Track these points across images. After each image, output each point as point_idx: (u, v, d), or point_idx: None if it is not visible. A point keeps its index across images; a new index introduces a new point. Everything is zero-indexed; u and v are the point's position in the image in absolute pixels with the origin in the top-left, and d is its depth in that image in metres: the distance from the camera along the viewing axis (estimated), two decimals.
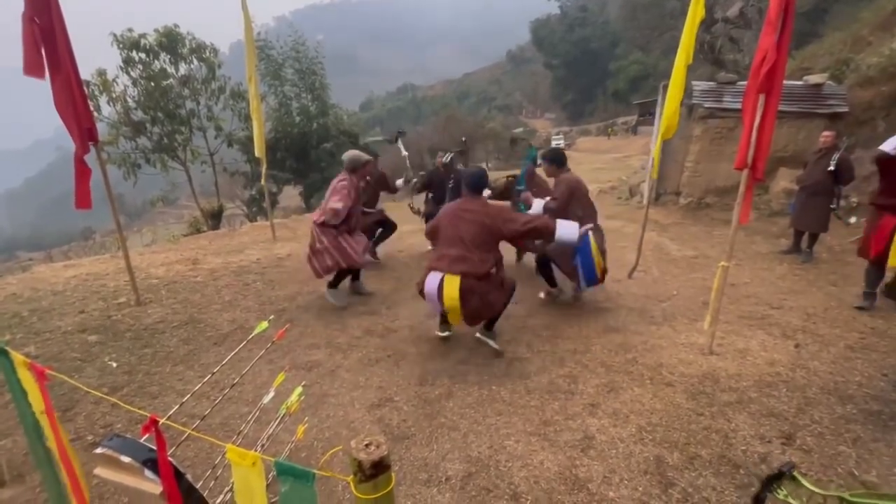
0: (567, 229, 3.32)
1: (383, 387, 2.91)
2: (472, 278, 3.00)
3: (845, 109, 7.69)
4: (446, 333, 3.42)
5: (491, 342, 3.33)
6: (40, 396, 1.40)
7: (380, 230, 5.48)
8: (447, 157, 5.91)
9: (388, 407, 2.70)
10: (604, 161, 24.16)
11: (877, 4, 12.14)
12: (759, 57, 2.70)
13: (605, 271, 3.90)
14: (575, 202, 3.80)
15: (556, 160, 4.03)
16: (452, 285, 2.97)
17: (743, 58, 13.85)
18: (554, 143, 40.99)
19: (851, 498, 1.22)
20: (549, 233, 3.28)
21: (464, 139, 6.28)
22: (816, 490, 1.28)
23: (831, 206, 5.22)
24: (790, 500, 1.37)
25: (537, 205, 3.95)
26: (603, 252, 3.84)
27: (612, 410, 2.61)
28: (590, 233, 3.71)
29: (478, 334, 3.38)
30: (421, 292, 3.20)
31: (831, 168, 5.06)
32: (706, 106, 8.01)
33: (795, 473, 1.35)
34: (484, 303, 3.08)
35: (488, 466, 2.20)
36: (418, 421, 2.56)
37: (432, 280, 3.07)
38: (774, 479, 1.40)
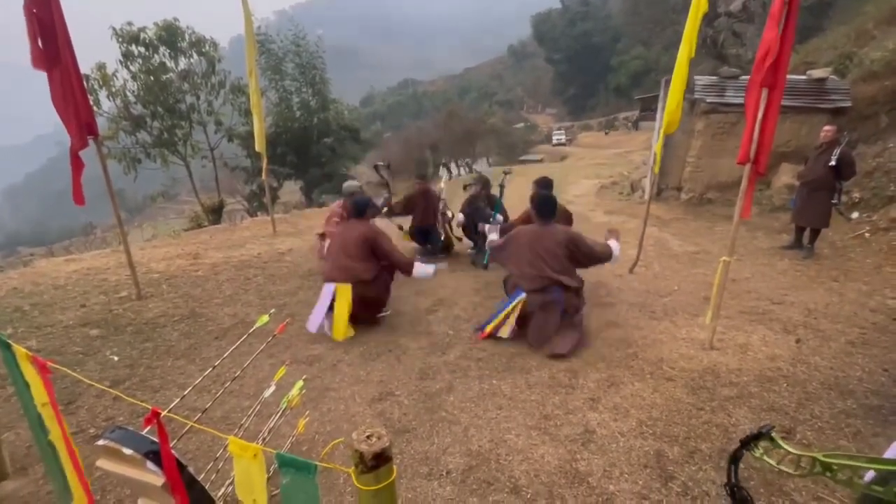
0: (422, 270, 3.70)
1: (384, 381, 2.92)
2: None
3: (848, 104, 7.65)
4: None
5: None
6: (43, 389, 1.40)
7: None
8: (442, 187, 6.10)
9: (389, 401, 2.71)
10: (605, 156, 24.13)
11: None
12: (763, 51, 2.68)
13: (497, 330, 3.41)
14: (512, 252, 3.56)
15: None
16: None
17: (746, 52, 13.73)
18: (555, 139, 40.99)
19: (825, 458, 1.23)
20: (403, 271, 3.76)
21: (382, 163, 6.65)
22: (792, 450, 1.30)
23: (833, 202, 5.20)
24: (766, 458, 1.39)
25: (492, 235, 4.07)
26: (520, 317, 3.36)
27: (612, 405, 2.62)
28: (520, 294, 3.34)
29: None
30: None
31: (832, 163, 5.04)
32: (708, 101, 7.97)
33: (773, 434, 1.37)
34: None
35: (489, 460, 2.20)
36: (419, 415, 2.57)
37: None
38: (753, 439, 1.42)
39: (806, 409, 2.55)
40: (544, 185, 4.48)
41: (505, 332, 3.39)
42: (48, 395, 1.41)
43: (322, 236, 4.84)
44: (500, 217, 4.96)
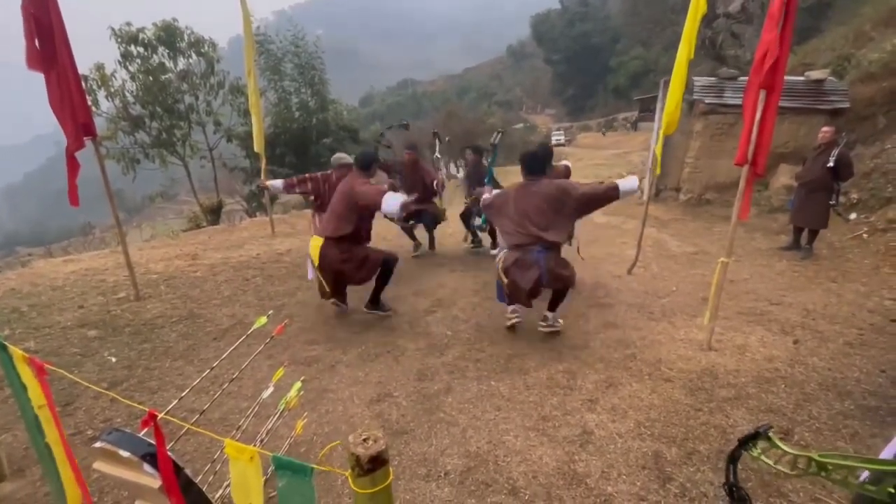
0: (391, 201, 3.35)
1: (382, 382, 2.92)
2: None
3: (846, 105, 7.66)
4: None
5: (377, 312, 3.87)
6: (40, 391, 1.40)
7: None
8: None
9: (388, 402, 2.71)
10: (604, 157, 24.16)
11: (879, 0, 12.08)
12: (761, 52, 2.69)
13: (516, 295, 3.35)
14: (499, 208, 3.51)
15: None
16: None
17: (744, 53, 13.76)
18: (554, 140, 41.01)
19: (820, 458, 1.24)
20: (373, 203, 3.49)
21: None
22: (788, 450, 1.31)
23: (831, 203, 5.22)
24: (763, 457, 1.40)
25: (486, 195, 3.88)
26: (515, 274, 3.24)
27: (610, 406, 2.62)
28: (503, 252, 3.40)
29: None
30: None
31: (831, 164, 5.05)
32: (707, 102, 7.98)
33: (770, 434, 1.37)
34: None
35: (487, 461, 2.20)
36: (417, 416, 2.57)
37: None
38: (750, 439, 1.43)
39: (804, 410, 2.55)
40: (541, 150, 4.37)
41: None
42: (45, 396, 1.41)
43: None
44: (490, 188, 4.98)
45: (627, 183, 3.30)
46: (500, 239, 3.93)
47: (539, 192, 3.33)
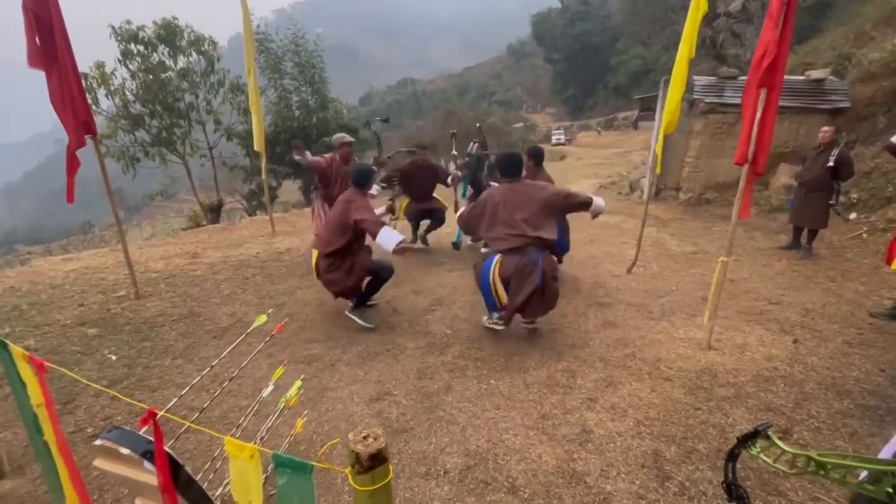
0: (386, 237, 3.28)
1: (382, 380, 2.92)
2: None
3: (847, 105, 7.66)
4: None
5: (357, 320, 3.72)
6: (39, 389, 1.40)
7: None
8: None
9: (387, 401, 2.71)
10: (604, 156, 24.13)
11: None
12: (761, 52, 2.69)
13: (511, 308, 3.22)
14: (484, 214, 3.38)
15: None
16: None
17: (745, 53, 13.75)
18: (554, 139, 41.02)
19: (819, 457, 1.24)
20: (370, 231, 3.42)
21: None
22: (787, 448, 1.31)
23: (830, 202, 5.22)
24: (762, 456, 1.41)
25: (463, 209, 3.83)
26: (512, 281, 3.17)
27: (609, 405, 2.62)
28: (495, 257, 3.27)
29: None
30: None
31: (831, 164, 5.05)
32: (707, 101, 7.98)
33: (769, 433, 1.38)
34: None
35: (486, 460, 2.21)
36: (417, 414, 2.57)
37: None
38: (750, 437, 1.44)
39: (803, 410, 2.56)
40: (533, 152, 4.61)
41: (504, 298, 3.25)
42: (44, 395, 1.41)
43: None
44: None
45: (599, 201, 3.47)
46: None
47: (527, 193, 3.29)
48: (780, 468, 1.38)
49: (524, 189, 3.34)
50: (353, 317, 3.74)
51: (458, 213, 3.73)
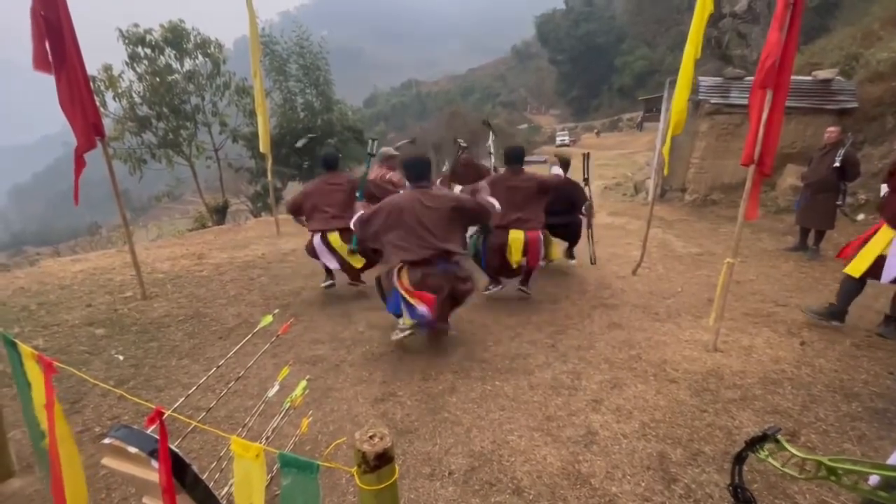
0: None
1: (387, 381, 2.93)
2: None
3: (854, 105, 7.60)
4: None
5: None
6: (43, 391, 1.40)
7: None
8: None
9: (392, 401, 2.71)
10: (609, 157, 24.07)
11: None
12: (766, 52, 2.68)
13: (433, 311, 2.95)
14: (384, 223, 3.13)
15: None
16: None
17: (751, 53, 13.69)
18: (559, 140, 40.98)
19: (830, 462, 1.23)
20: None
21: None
22: (797, 453, 1.29)
23: (837, 203, 5.17)
24: (770, 459, 1.39)
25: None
26: (425, 288, 3.00)
27: (615, 406, 2.61)
28: (395, 270, 3.08)
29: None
30: None
31: (837, 164, 5.00)
32: (713, 102, 7.94)
33: (779, 436, 1.36)
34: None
35: (491, 461, 2.20)
36: (422, 415, 2.57)
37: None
38: (758, 441, 1.42)
39: (810, 412, 2.53)
40: (513, 154, 4.17)
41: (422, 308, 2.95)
42: (47, 396, 1.40)
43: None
44: None
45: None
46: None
47: (435, 202, 3.08)
48: (790, 473, 1.36)
49: (427, 198, 3.09)
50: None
51: (357, 216, 3.31)
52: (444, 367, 3.08)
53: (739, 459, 1.52)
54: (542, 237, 4.04)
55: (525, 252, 3.94)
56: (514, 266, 4.02)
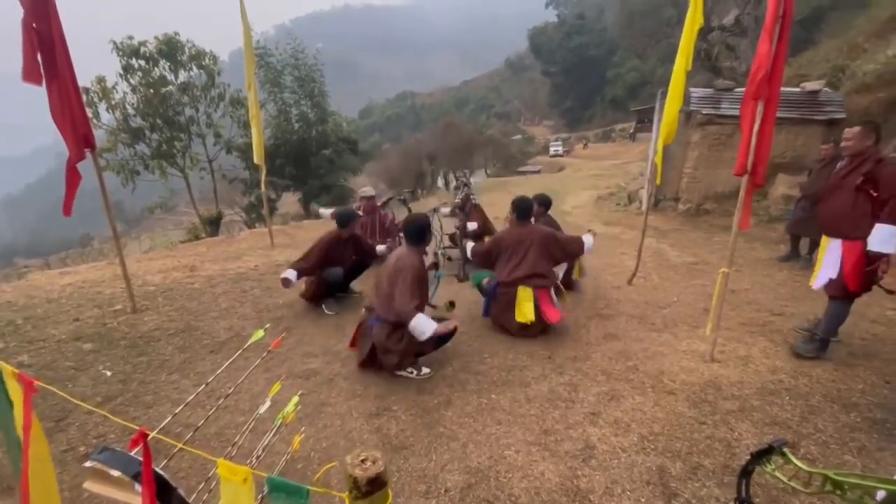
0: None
1: (381, 395, 2.87)
2: None
3: (842, 116, 7.72)
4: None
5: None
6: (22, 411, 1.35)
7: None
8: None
9: (387, 416, 2.66)
10: (603, 167, 24.27)
11: (871, 12, 12.26)
12: (757, 64, 2.71)
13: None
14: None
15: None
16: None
17: (739, 65, 13.95)
18: (552, 150, 41.33)
19: (836, 476, 1.20)
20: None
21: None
22: (803, 467, 1.27)
23: None
24: (777, 473, 1.36)
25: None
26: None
27: (613, 419, 2.58)
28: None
29: None
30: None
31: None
32: (704, 112, 8.04)
33: (785, 450, 1.34)
34: None
35: (488, 477, 2.16)
36: (417, 430, 2.52)
37: None
38: (764, 454, 1.39)
39: (809, 423, 2.51)
40: (541, 201, 4.63)
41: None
42: (25, 417, 1.34)
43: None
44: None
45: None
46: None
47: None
48: (795, 486, 1.33)
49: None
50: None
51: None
52: (439, 380, 3.03)
53: (746, 473, 1.49)
54: (552, 294, 3.74)
55: (537, 310, 3.57)
56: (528, 324, 3.57)
